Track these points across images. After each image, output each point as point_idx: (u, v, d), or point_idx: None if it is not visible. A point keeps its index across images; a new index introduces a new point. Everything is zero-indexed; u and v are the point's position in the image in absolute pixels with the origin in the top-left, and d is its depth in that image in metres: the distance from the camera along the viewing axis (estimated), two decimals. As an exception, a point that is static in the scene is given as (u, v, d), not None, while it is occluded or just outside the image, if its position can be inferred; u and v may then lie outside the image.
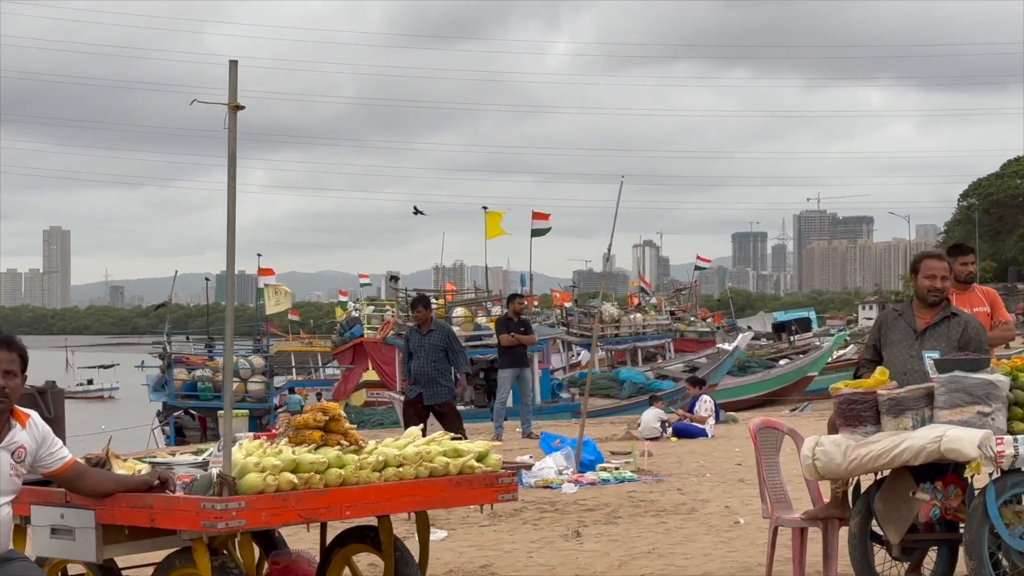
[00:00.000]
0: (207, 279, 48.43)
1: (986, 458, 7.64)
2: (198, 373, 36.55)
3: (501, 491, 7.31)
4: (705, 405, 21.53)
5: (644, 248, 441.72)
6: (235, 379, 34.90)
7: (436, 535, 11.05)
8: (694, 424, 21.01)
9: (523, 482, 14.53)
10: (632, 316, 53.77)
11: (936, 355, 8.28)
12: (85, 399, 78.47)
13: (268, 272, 44.40)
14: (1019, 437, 7.77)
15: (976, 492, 7.87)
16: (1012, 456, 7.73)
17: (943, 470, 7.99)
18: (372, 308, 52.08)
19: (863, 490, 8.47)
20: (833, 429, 8.49)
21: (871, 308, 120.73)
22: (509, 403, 22.02)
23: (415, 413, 16.10)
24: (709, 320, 66.99)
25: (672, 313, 60.62)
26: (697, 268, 65.67)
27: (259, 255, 42.93)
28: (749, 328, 62.46)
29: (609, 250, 16.93)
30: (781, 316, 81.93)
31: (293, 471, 6.43)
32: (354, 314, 53.18)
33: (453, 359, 16.45)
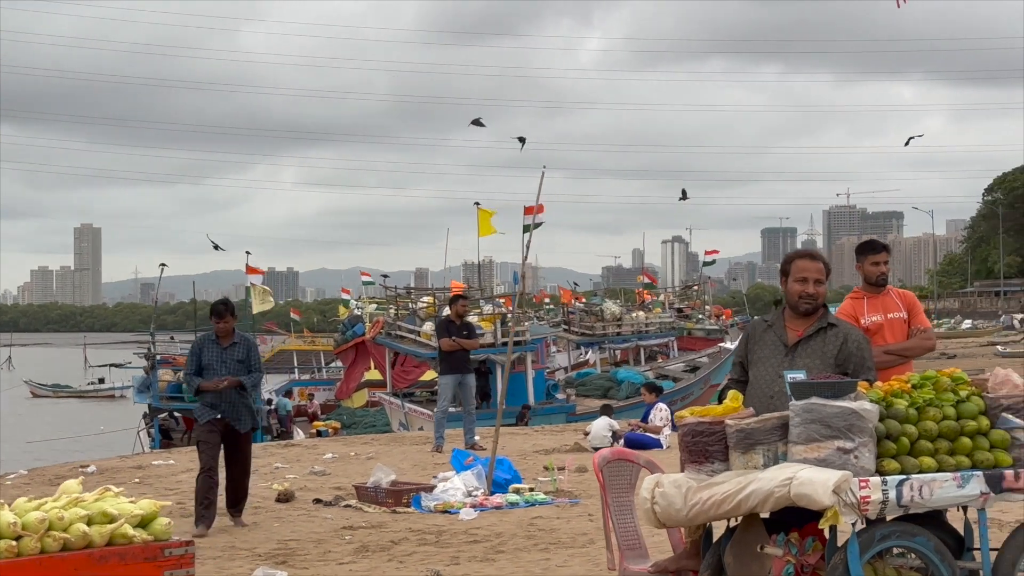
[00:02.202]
0: (162, 264, 46.96)
1: (845, 505, 6.21)
2: (183, 374, 35.15)
3: (168, 566, 5.63)
4: (660, 414, 20.01)
5: (673, 244, 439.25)
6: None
7: (277, 575, 9.67)
8: (647, 435, 19.52)
9: (421, 506, 13.15)
10: (635, 314, 52.25)
11: (801, 375, 6.83)
12: (95, 398, 77.47)
13: (257, 271, 42.94)
14: (889, 479, 6.33)
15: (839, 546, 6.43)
16: (880, 503, 6.30)
17: (805, 517, 6.54)
18: (375, 307, 50.77)
19: (716, 538, 7.04)
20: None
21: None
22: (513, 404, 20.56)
23: (210, 440, 12.52)
24: (722, 318, 65.32)
25: (680, 311, 59.07)
26: (705, 264, 64.01)
27: (248, 252, 41.37)
28: (744, 323, 60.70)
29: (527, 247, 15.47)
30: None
31: None
32: (356, 312, 51.95)
33: (248, 377, 12.76)
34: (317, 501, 13.85)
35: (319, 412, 46.73)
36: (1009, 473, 6.59)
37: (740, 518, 6.77)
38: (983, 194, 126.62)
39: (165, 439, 35.10)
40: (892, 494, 6.32)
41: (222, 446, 12.67)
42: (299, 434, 40.49)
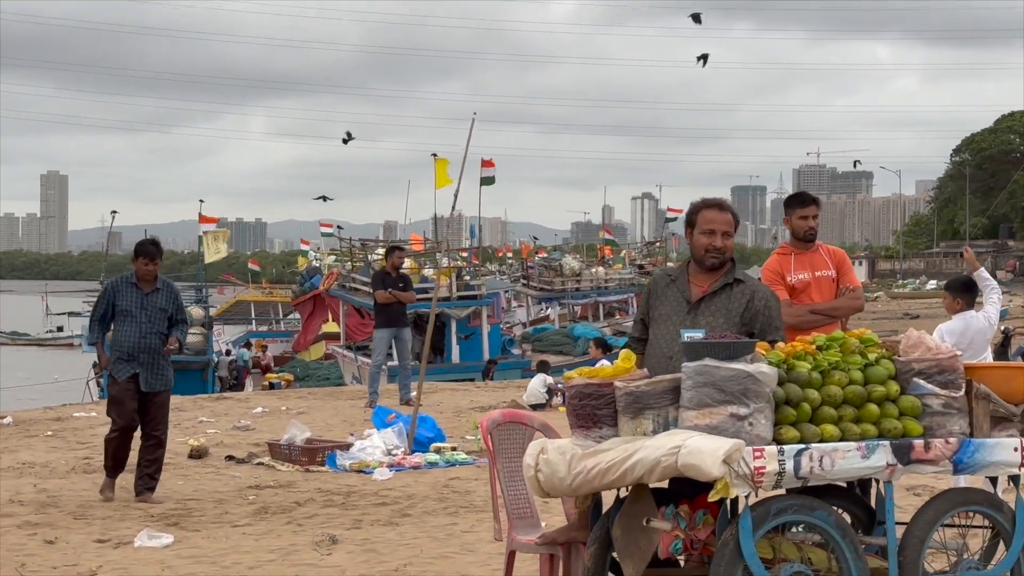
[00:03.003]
0: (113, 212, 46.45)
1: (737, 477, 5.68)
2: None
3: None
4: (603, 371, 19.43)
5: (643, 201, 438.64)
6: (172, 330, 33.06)
7: (159, 540, 9.14)
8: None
9: (336, 465, 12.63)
10: (594, 270, 51.76)
11: (700, 334, 6.28)
12: (54, 346, 76.85)
13: (210, 220, 42.23)
14: (787, 448, 5.81)
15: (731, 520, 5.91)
16: (776, 474, 5.77)
17: (699, 488, 6.01)
18: (333, 258, 50.20)
19: (605, 509, 6.51)
20: None
21: (860, 264, 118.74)
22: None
23: (126, 399, 11.15)
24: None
25: (641, 267, 58.60)
26: (668, 220, 63.45)
27: (201, 201, 40.68)
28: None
29: (456, 196, 14.95)
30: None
31: None
32: (315, 264, 51.39)
33: (176, 329, 11.48)
34: (229, 458, 13.33)
35: (272, 364, 46.25)
36: (918, 443, 6.07)
37: (629, 488, 6.24)
38: (951, 155, 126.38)
39: (114, 389, 34.53)
40: (789, 465, 5.79)
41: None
42: (250, 386, 40.01)
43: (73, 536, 9.42)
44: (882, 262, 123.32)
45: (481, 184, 40.32)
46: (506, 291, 48.53)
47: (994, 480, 6.67)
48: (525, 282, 50.30)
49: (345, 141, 42.07)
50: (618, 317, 50.18)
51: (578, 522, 6.72)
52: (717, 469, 5.62)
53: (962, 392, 6.22)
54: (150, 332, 11.20)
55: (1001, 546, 6.41)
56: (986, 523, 6.46)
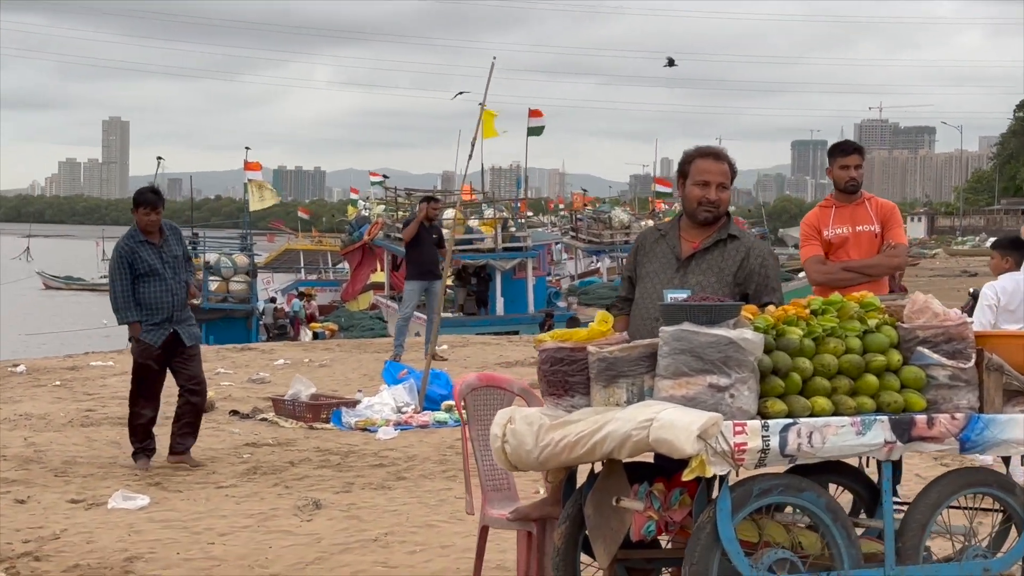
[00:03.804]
0: (159, 158, 46.07)
1: (715, 454, 5.14)
2: (116, 295, 34.24)
3: None
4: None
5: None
6: (216, 278, 33.08)
7: (134, 502, 8.70)
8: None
9: (341, 422, 12.16)
10: (644, 223, 50.99)
11: (684, 295, 5.73)
12: (106, 292, 76.84)
13: (254, 167, 41.83)
14: (772, 423, 5.26)
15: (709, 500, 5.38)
16: (759, 451, 5.22)
17: (676, 464, 5.47)
18: (383, 208, 49.83)
19: (579, 484, 5.98)
20: None
21: (919, 220, 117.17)
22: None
23: (156, 367, 10.29)
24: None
25: (692, 220, 57.63)
26: (530, 131, 62.20)
27: (247, 148, 40.22)
28: (762, 234, 59.18)
29: (472, 146, 14.43)
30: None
31: None
32: (364, 213, 51.07)
33: (188, 274, 10.72)
34: (233, 413, 12.88)
35: (317, 313, 45.94)
36: (921, 418, 5.50)
37: (603, 462, 5.72)
38: (1014, 110, 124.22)
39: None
40: (774, 441, 5.24)
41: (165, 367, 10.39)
42: (307, 336, 39.74)
43: (47, 495, 9.02)
44: (942, 219, 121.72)
45: (528, 134, 39.74)
46: (557, 243, 47.93)
47: (1007, 460, 6.10)
48: (574, 234, 49.74)
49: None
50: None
51: (551, 497, 6.21)
52: (691, 446, 5.09)
53: (972, 363, 5.64)
54: (177, 286, 10.33)
55: (1013, 532, 5.85)
56: (997, 506, 5.89)
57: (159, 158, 45.91)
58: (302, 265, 64.26)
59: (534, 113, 40.97)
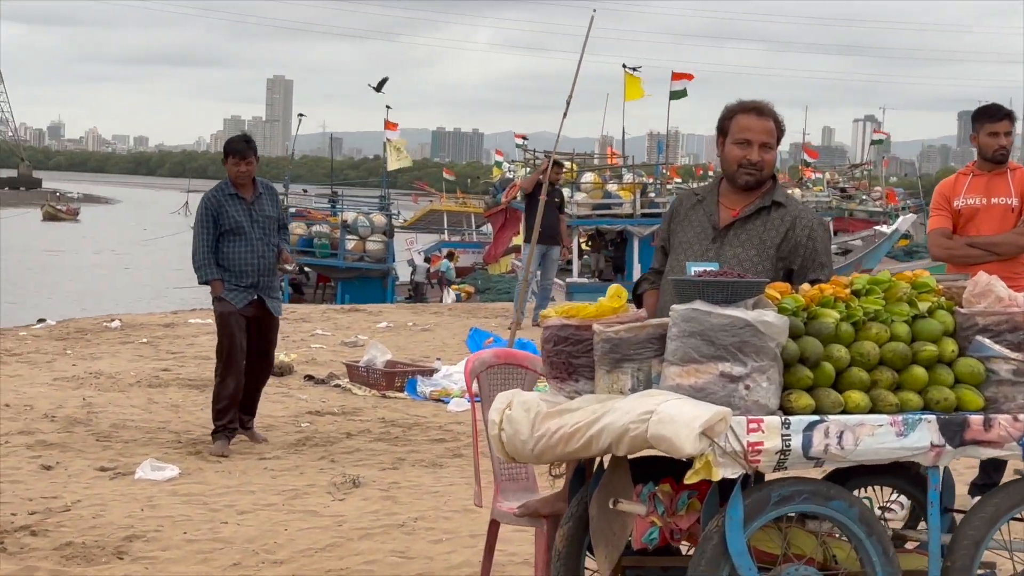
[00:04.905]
0: (300, 115, 46.15)
1: (723, 454, 4.42)
2: (316, 228, 34.40)
3: None
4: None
5: (864, 123, 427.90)
6: (353, 237, 33.05)
7: (162, 473, 8.22)
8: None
9: (415, 391, 11.59)
10: (790, 192, 49.63)
11: (711, 267, 5.00)
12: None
13: (393, 127, 41.53)
14: (795, 420, 4.52)
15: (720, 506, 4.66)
16: (778, 452, 4.49)
17: (688, 463, 4.75)
18: (527, 170, 49.32)
19: (587, 479, 5.30)
20: None
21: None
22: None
23: (241, 332, 9.39)
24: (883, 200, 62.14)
25: (843, 191, 56.16)
26: (874, 142, 60.69)
27: (388, 107, 39.85)
28: (917, 207, 57.28)
29: (569, 100, 13.75)
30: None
31: None
32: (508, 175, 50.67)
33: (283, 240, 9.78)
34: (308, 378, 12.38)
35: (455, 275, 45.61)
36: (976, 419, 4.72)
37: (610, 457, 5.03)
38: None
39: (296, 294, 34.50)
40: (796, 441, 4.50)
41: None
42: (449, 297, 39.43)
43: (77, 462, 8.58)
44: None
45: (671, 98, 38.86)
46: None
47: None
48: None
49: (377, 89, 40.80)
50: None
51: (562, 492, 5.53)
52: (691, 444, 4.38)
53: (1041, 356, 4.83)
54: (265, 248, 9.43)
55: (1088, 553, 5.04)
56: (1068, 523, 5.08)
57: (300, 115, 45.85)
58: (446, 226, 64.11)
59: (678, 76, 40.02)
